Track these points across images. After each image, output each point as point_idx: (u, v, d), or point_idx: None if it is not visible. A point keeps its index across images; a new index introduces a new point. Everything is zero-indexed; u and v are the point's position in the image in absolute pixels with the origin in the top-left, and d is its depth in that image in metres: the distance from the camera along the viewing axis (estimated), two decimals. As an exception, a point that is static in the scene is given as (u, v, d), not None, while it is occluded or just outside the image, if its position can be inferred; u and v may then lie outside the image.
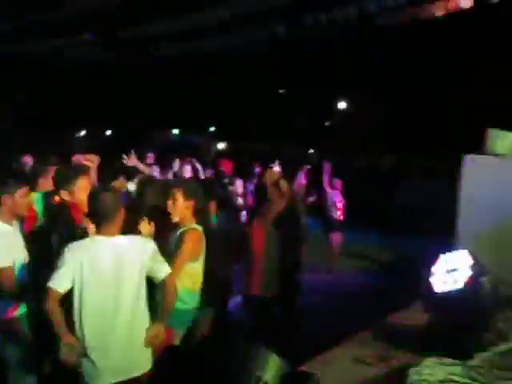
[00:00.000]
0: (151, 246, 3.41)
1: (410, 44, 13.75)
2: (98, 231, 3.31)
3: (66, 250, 3.22)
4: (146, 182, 5.33)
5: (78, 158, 7.50)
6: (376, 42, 13.47)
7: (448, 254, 3.27)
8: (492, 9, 10.81)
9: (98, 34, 13.51)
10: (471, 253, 3.19)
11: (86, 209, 3.71)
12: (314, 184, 9.56)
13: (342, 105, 21.02)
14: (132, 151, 5.93)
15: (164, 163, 8.44)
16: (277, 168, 8.26)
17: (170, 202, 4.09)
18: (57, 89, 18.25)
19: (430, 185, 14.56)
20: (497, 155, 4.57)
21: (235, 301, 6.08)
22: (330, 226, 9.76)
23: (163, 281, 3.41)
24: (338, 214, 9.67)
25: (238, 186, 8.02)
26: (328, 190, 9.51)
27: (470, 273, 3.01)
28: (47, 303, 3.12)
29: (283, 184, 5.44)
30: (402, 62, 14.57)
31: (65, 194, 3.91)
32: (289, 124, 19.29)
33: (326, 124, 22.07)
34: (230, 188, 7.64)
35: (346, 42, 13.68)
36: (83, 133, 22.09)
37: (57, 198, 4.08)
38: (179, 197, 4.05)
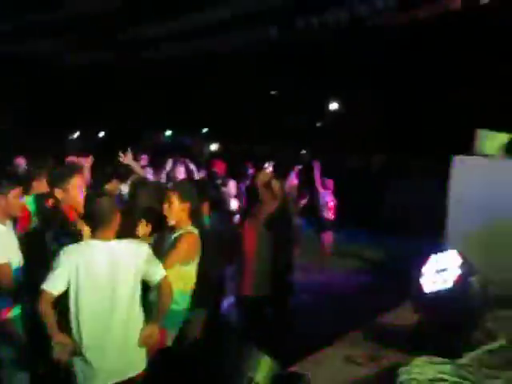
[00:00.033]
0: (146, 249, 3.41)
1: (401, 45, 13.79)
2: (94, 235, 3.30)
3: (62, 252, 3.21)
4: (139, 184, 5.32)
5: (72, 160, 7.49)
6: (366, 43, 13.51)
7: (438, 254, 3.28)
8: (480, 9, 10.88)
9: (96, 36, 13.51)
10: (460, 253, 3.20)
11: (80, 208, 3.71)
12: (306, 184, 9.57)
13: (333, 106, 21.04)
14: (129, 149, 5.90)
15: (157, 165, 8.43)
16: (269, 169, 8.27)
17: (165, 205, 4.07)
18: (51, 90, 18.19)
19: (420, 185, 14.60)
20: (485, 156, 4.60)
21: (228, 301, 6.08)
22: (321, 226, 9.78)
23: (159, 283, 3.41)
24: (330, 214, 9.69)
25: (231, 186, 8.01)
26: (320, 189, 9.52)
27: (458, 273, 3.02)
28: (40, 305, 3.12)
29: (275, 185, 5.43)
30: (393, 63, 14.61)
31: (59, 193, 3.90)
32: (281, 125, 19.30)
33: (318, 124, 22.09)
34: (223, 189, 7.63)
35: (336, 43, 13.71)
36: (77, 134, 22.01)
37: (50, 201, 4.07)
38: (174, 199, 4.04)
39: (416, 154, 16.00)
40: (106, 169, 9.03)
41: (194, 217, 4.22)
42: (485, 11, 10.69)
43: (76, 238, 3.67)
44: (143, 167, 6.74)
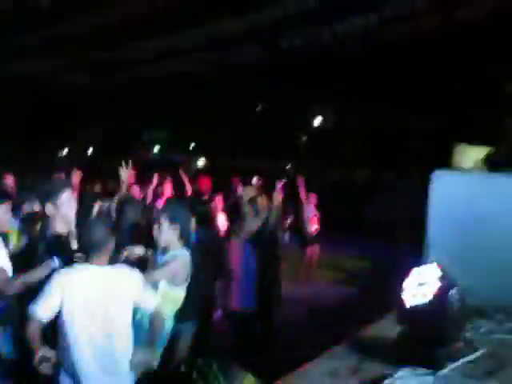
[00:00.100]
0: (139, 276, 3.36)
1: (382, 63, 13.98)
2: (88, 260, 3.24)
3: (55, 276, 3.13)
4: (126, 201, 5.32)
5: (60, 177, 7.44)
6: (347, 61, 13.68)
7: (418, 268, 3.31)
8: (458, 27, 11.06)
9: (74, 58, 13.56)
10: (440, 266, 3.23)
11: (70, 221, 3.69)
12: (290, 198, 9.60)
13: (317, 121, 21.19)
14: (130, 162, 5.83)
15: (143, 181, 8.39)
16: (256, 183, 8.28)
17: (155, 227, 4.07)
18: (37, 109, 18.15)
19: (403, 197, 14.69)
20: (463, 170, 4.66)
21: (216, 315, 6.07)
22: (305, 240, 9.82)
23: (151, 312, 3.38)
24: (314, 228, 9.75)
25: (218, 202, 8.00)
26: (304, 204, 9.56)
27: (438, 286, 3.05)
28: (28, 331, 3.02)
29: (260, 201, 5.46)
30: (374, 79, 14.79)
31: (49, 208, 3.85)
32: (267, 140, 19.38)
33: (303, 139, 22.22)
34: (210, 205, 7.62)
35: (319, 61, 13.87)
36: (65, 152, 21.91)
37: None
38: (164, 222, 4.03)
39: (397, 168, 16.16)
40: (95, 185, 9.03)
41: (183, 236, 4.21)
42: (467, 27, 10.89)
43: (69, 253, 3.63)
44: (130, 184, 6.72)
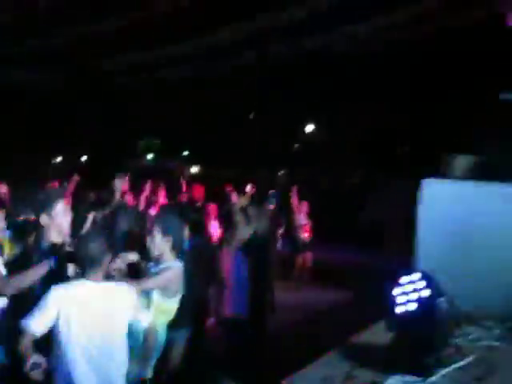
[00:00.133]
0: (134, 294, 3.35)
1: (370, 72, 14.09)
2: (84, 276, 3.22)
3: (51, 292, 3.10)
4: (119, 209, 5.32)
5: (54, 186, 7.42)
6: (338, 69, 13.77)
7: (408, 275, 3.33)
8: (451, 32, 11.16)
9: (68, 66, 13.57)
10: (429, 273, 3.26)
11: (64, 231, 3.68)
12: (283, 206, 9.65)
13: (309, 128, 21.27)
14: (124, 171, 5.82)
15: (137, 188, 8.39)
16: (250, 191, 8.31)
17: (148, 238, 4.08)
18: (33, 116, 18.10)
19: (396, 204, 14.71)
20: (453, 178, 4.70)
21: (209, 322, 6.07)
22: (297, 247, 9.90)
23: (145, 330, 3.37)
24: (305, 235, 9.84)
25: (211, 210, 8.00)
26: (296, 212, 9.64)
27: (427, 293, 3.08)
28: (21, 344, 3.00)
29: (251, 211, 5.49)
30: (364, 88, 14.90)
31: (44, 218, 3.84)
32: (259, 147, 19.43)
33: (295, 146, 22.29)
34: (203, 212, 7.63)
35: (310, 69, 13.95)
36: (59, 159, 21.85)
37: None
38: (157, 233, 4.04)
39: (388, 174, 16.24)
40: (89, 193, 8.98)
41: (176, 247, 4.21)
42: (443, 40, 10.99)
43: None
44: (124, 192, 6.72)
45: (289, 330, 6.99)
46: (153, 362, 3.83)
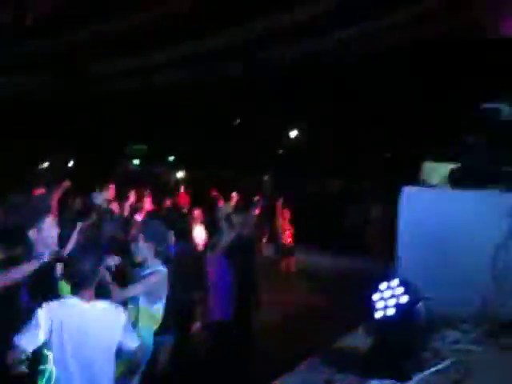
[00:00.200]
0: (124, 315, 3.32)
1: (351, 79, 14.22)
2: (74, 293, 3.17)
3: (41, 308, 3.05)
4: (104, 217, 5.32)
5: (41, 191, 7.37)
6: (322, 77, 13.87)
7: (387, 281, 3.37)
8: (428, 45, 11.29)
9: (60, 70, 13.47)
10: (407, 279, 3.30)
11: (51, 245, 3.68)
12: (267, 212, 9.72)
13: (294, 133, 21.36)
14: (112, 187, 5.80)
15: (123, 195, 8.36)
16: (235, 198, 8.39)
17: (132, 244, 4.10)
18: (19, 122, 17.94)
19: (378, 209, 14.82)
20: (431, 186, 4.77)
21: (195, 327, 6.08)
22: (281, 251, 10.01)
23: (132, 350, 3.33)
24: (288, 240, 9.99)
25: (197, 215, 8.01)
26: (279, 219, 9.79)
27: (405, 299, 3.12)
28: (11, 359, 2.98)
29: (234, 218, 5.54)
30: (347, 96, 15.03)
31: (33, 232, 3.83)
32: (246, 152, 19.46)
33: (280, 152, 22.35)
34: (189, 218, 7.63)
35: (295, 77, 14.02)
36: (46, 164, 21.68)
37: None
38: (140, 239, 4.06)
39: (371, 179, 16.37)
40: (76, 200, 8.91)
41: (159, 253, 4.23)
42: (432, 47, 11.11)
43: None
44: (110, 200, 6.72)
45: (273, 333, 7.01)
46: (139, 373, 3.84)
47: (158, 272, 4.05)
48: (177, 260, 5.26)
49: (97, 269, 3.22)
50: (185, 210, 8.07)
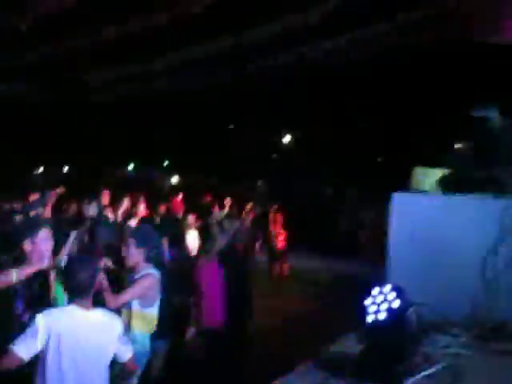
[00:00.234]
0: (120, 325, 3.33)
1: (343, 87, 14.29)
2: (72, 301, 3.18)
3: (39, 317, 3.05)
4: (99, 222, 5.33)
5: (35, 197, 7.35)
6: (311, 84, 13.93)
7: (379, 286, 3.38)
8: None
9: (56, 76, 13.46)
10: (398, 284, 3.31)
11: (46, 258, 3.66)
12: (260, 217, 9.74)
13: (286, 139, 21.42)
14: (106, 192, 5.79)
15: (117, 200, 8.34)
16: (229, 204, 8.40)
17: (124, 248, 4.12)
18: (14, 128, 17.90)
19: (370, 213, 14.85)
20: (422, 192, 4.79)
21: (190, 332, 6.07)
22: (274, 256, 10.04)
23: (125, 362, 3.34)
24: (281, 245, 10.05)
25: (191, 221, 8.00)
26: (271, 223, 9.83)
27: (397, 305, 3.13)
28: (6, 364, 2.97)
29: (225, 224, 5.58)
30: (338, 102, 15.11)
31: (27, 245, 3.80)
32: (239, 158, 19.50)
33: (273, 156, 22.41)
34: (183, 224, 7.63)
35: (284, 85, 14.09)
36: (41, 170, 21.63)
37: None
38: (131, 244, 4.09)
39: (364, 183, 16.42)
40: (71, 205, 8.89)
41: (151, 258, 4.25)
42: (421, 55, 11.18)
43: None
44: (104, 206, 6.70)
45: (267, 337, 7.01)
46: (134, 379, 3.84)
47: (149, 275, 4.07)
48: (171, 265, 5.28)
49: (95, 276, 3.22)
50: (179, 216, 8.06)
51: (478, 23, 8.67)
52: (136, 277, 4.07)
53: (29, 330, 3.03)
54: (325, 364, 3.47)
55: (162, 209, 8.74)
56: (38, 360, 3.08)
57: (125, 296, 3.98)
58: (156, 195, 9.88)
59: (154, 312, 4.16)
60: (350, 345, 3.75)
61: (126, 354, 3.32)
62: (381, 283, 3.40)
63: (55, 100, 15.72)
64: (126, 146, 21.31)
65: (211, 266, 5.54)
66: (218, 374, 5.20)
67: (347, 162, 17.11)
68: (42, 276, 3.66)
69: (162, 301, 4.29)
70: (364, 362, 3.19)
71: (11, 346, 2.99)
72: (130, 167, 23.45)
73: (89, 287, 3.17)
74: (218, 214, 5.81)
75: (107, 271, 4.17)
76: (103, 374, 3.22)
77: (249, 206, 8.86)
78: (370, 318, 3.24)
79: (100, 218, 5.80)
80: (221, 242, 5.54)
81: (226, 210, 7.99)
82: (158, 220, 7.49)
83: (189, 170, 20.78)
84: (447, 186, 4.63)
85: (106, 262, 4.26)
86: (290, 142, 21.11)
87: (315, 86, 14.29)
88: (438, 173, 4.89)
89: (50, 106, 16.44)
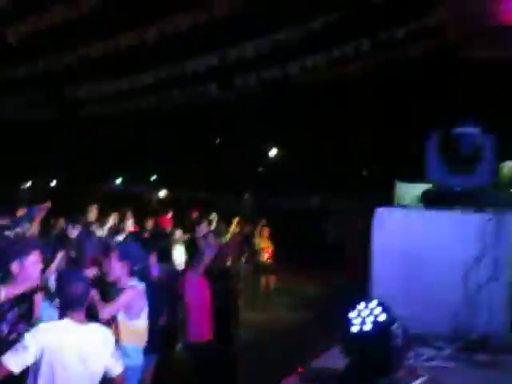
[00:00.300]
0: (113, 340, 3.30)
1: (327, 101, 14.44)
2: (65, 315, 3.14)
3: (33, 331, 3.03)
4: (85, 237, 5.30)
5: (23, 211, 7.28)
6: (297, 98, 14.04)
7: (363, 301, 3.39)
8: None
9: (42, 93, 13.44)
10: (382, 300, 3.32)
11: (33, 282, 3.61)
12: (247, 230, 9.75)
13: (272, 152, 21.50)
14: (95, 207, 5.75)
15: (104, 215, 8.29)
16: (215, 219, 8.43)
17: (106, 262, 4.11)
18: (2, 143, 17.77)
19: (355, 226, 14.86)
20: (404, 206, 4.83)
21: (178, 347, 6.04)
22: (261, 269, 10.06)
23: (114, 378, 3.29)
24: (267, 258, 10.08)
25: (178, 236, 7.98)
26: (258, 237, 9.86)
27: (381, 319, 3.13)
28: None
29: (211, 238, 5.58)
30: (322, 117, 15.24)
31: (16, 267, 3.73)
32: (225, 172, 19.51)
33: (259, 170, 22.46)
34: (170, 239, 7.60)
35: (272, 98, 14.18)
36: (28, 184, 21.45)
37: None
38: (113, 258, 4.07)
39: (349, 195, 16.50)
40: (59, 220, 8.80)
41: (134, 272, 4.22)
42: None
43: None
44: (92, 221, 6.67)
45: (254, 351, 6.98)
46: None
47: (132, 287, 4.04)
48: (159, 281, 5.25)
49: (87, 288, 3.20)
50: (167, 232, 8.04)
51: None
52: (118, 290, 4.03)
53: (20, 345, 2.99)
54: (311, 378, 3.47)
55: (150, 223, 8.72)
56: (28, 373, 3.04)
57: (112, 307, 3.93)
58: (144, 210, 9.83)
59: (142, 323, 4.13)
60: (335, 358, 3.75)
61: (117, 368, 3.29)
62: (365, 297, 3.41)
63: (43, 116, 15.67)
64: (114, 160, 21.26)
65: (198, 280, 5.52)
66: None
67: (333, 175, 17.20)
68: (28, 297, 3.61)
69: (149, 315, 4.26)
70: (349, 375, 3.19)
71: (3, 358, 2.95)
72: (118, 181, 23.34)
73: (81, 299, 3.14)
74: (205, 228, 5.78)
75: (94, 283, 4.14)
76: None
77: (235, 220, 8.87)
78: (354, 329, 3.24)
79: (87, 234, 5.76)
80: (207, 256, 5.52)
81: (213, 224, 7.99)
82: (146, 235, 7.45)
83: (176, 184, 20.73)
84: (429, 200, 4.68)
85: (93, 272, 4.24)
86: (276, 155, 21.18)
87: (301, 100, 14.40)
88: (419, 187, 4.94)
89: (38, 122, 16.38)
